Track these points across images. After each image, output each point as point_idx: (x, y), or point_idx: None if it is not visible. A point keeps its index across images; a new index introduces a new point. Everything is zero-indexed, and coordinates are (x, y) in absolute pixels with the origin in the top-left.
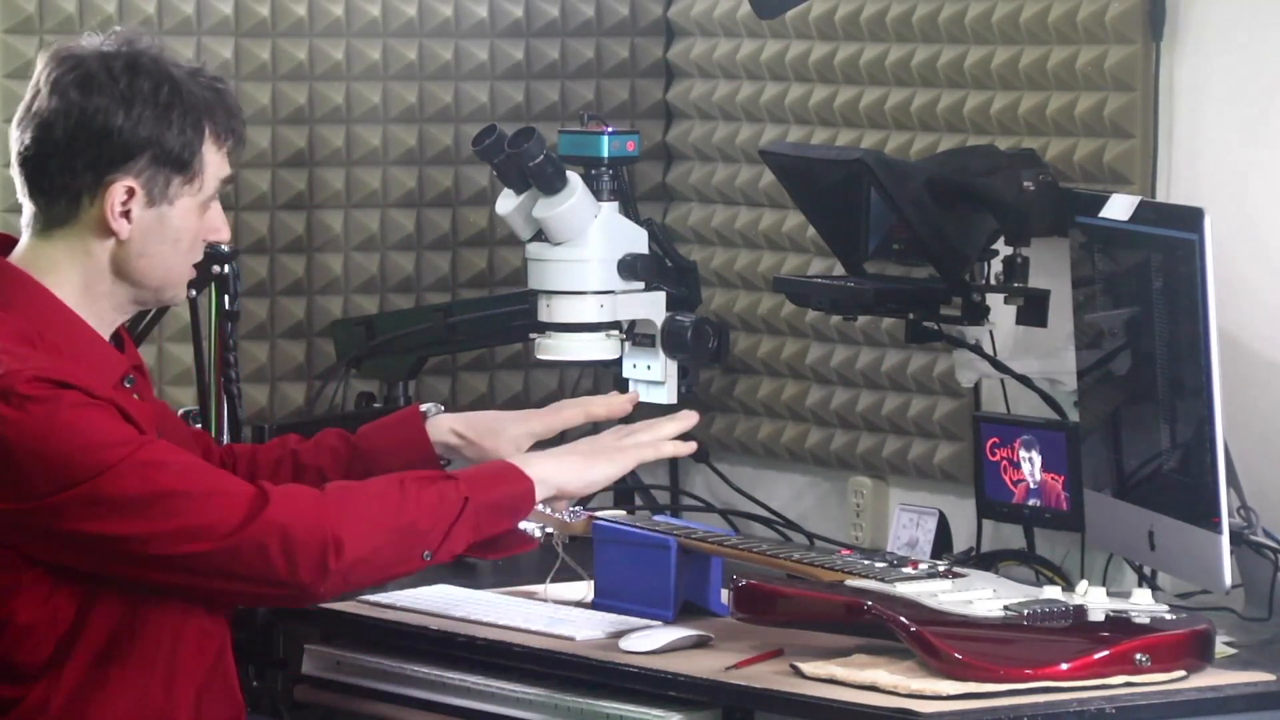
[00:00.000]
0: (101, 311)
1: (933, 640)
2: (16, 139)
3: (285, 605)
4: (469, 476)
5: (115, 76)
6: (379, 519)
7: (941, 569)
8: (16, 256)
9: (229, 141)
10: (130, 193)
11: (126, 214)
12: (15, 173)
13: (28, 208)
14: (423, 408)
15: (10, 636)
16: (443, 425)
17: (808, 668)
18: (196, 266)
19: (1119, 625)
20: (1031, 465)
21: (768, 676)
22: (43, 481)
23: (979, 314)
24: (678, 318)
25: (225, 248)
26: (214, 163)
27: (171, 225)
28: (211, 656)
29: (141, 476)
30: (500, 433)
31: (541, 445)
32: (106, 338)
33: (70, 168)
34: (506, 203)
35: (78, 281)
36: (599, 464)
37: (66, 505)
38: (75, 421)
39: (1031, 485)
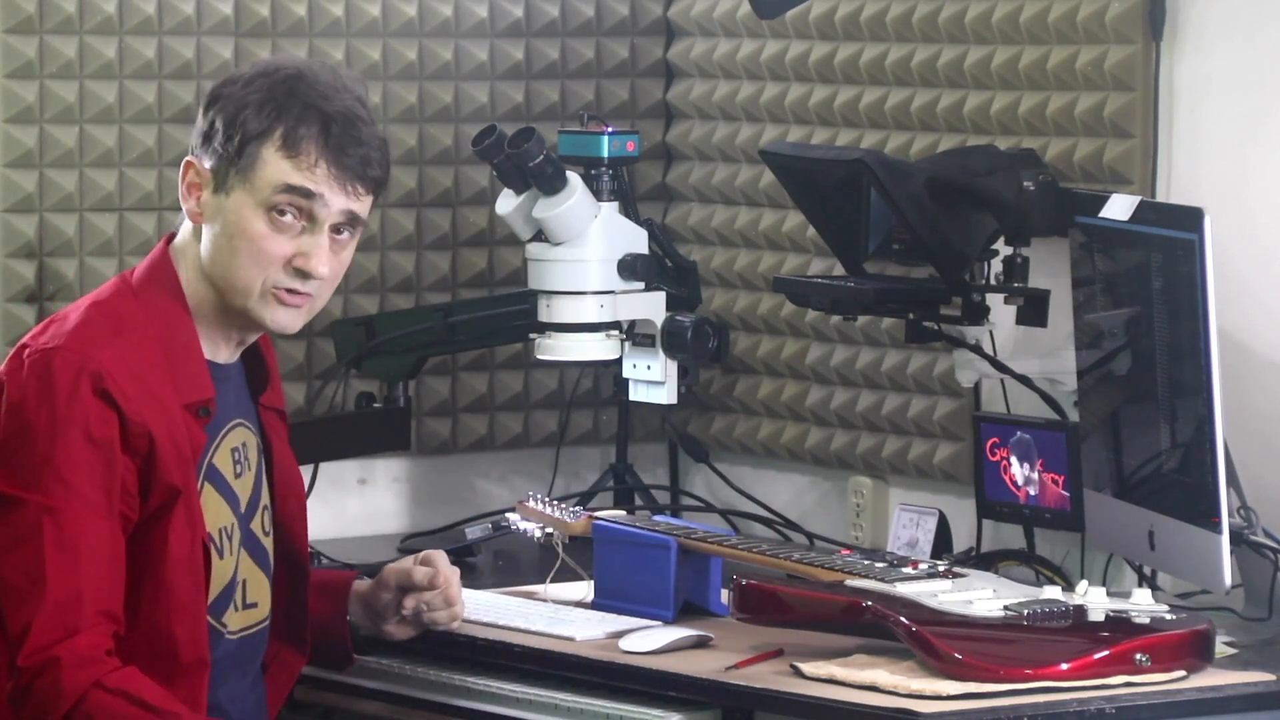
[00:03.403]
0: (209, 318)
1: (933, 640)
2: None
3: None
4: None
5: (235, 76)
6: None
7: (941, 569)
8: (176, 241)
9: (298, 156)
10: (197, 172)
11: (199, 198)
12: None
13: None
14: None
15: None
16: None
17: (808, 668)
18: (294, 295)
19: (1119, 625)
20: (1031, 465)
21: (768, 676)
22: None
23: (979, 314)
24: (678, 318)
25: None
26: (274, 168)
27: (227, 216)
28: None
29: (32, 526)
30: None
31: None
32: (223, 356)
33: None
34: (506, 203)
35: (194, 277)
36: None
37: None
38: (58, 429)
39: (1031, 485)
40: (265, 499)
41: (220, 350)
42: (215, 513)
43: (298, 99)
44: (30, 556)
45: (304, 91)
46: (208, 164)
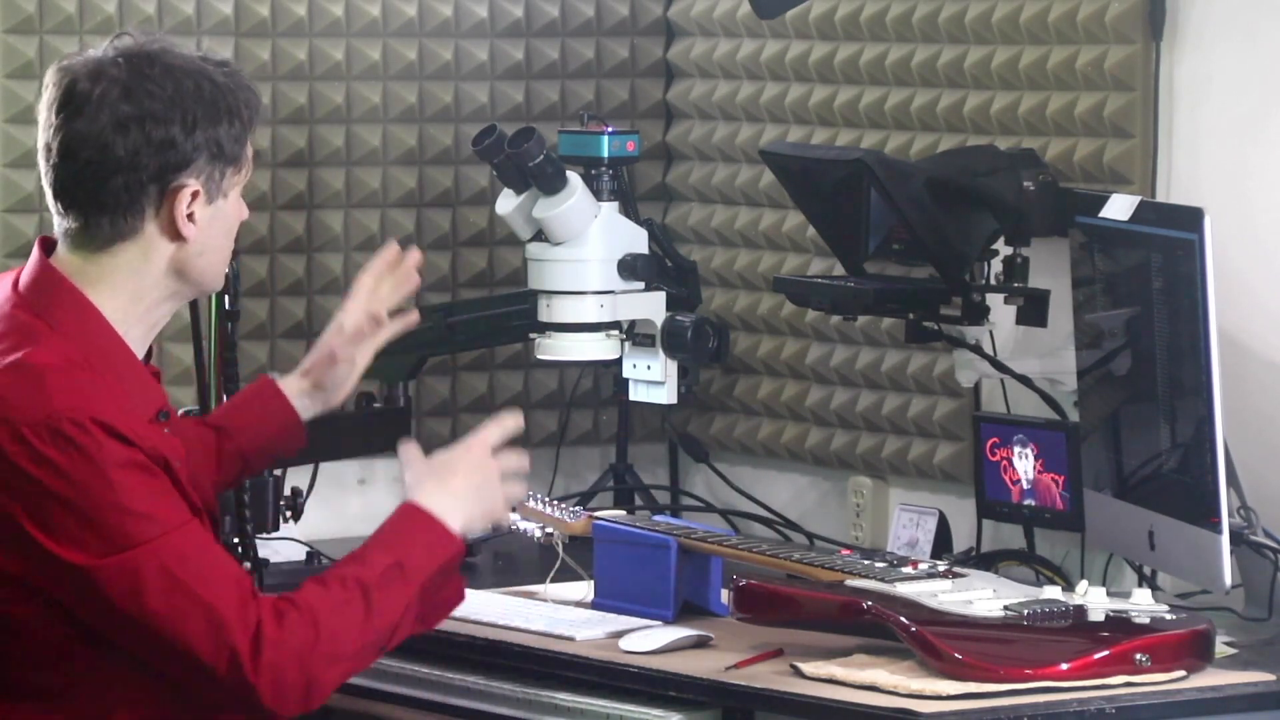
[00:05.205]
0: (145, 322)
1: (933, 640)
2: (56, 166)
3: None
4: (412, 559)
5: (159, 83)
6: (351, 644)
7: (941, 569)
8: (65, 269)
9: (255, 121)
10: (194, 195)
11: (191, 216)
12: (62, 196)
13: (77, 225)
14: (271, 375)
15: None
16: (292, 388)
17: (808, 668)
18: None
19: (1119, 625)
20: (1031, 465)
21: (768, 676)
22: (66, 534)
23: (979, 314)
24: (678, 318)
25: None
26: (249, 146)
27: (226, 217)
28: None
29: (160, 569)
30: (335, 363)
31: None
32: (144, 351)
33: (136, 181)
34: (506, 203)
35: (130, 292)
36: (493, 510)
37: (86, 565)
38: (108, 476)
39: (1031, 485)
40: None
41: (142, 348)
42: None
43: (225, 84)
44: (183, 597)
45: (215, 74)
46: (200, 181)
